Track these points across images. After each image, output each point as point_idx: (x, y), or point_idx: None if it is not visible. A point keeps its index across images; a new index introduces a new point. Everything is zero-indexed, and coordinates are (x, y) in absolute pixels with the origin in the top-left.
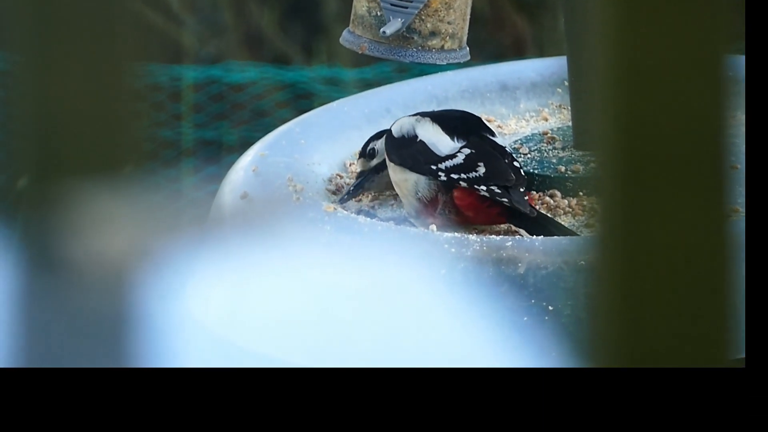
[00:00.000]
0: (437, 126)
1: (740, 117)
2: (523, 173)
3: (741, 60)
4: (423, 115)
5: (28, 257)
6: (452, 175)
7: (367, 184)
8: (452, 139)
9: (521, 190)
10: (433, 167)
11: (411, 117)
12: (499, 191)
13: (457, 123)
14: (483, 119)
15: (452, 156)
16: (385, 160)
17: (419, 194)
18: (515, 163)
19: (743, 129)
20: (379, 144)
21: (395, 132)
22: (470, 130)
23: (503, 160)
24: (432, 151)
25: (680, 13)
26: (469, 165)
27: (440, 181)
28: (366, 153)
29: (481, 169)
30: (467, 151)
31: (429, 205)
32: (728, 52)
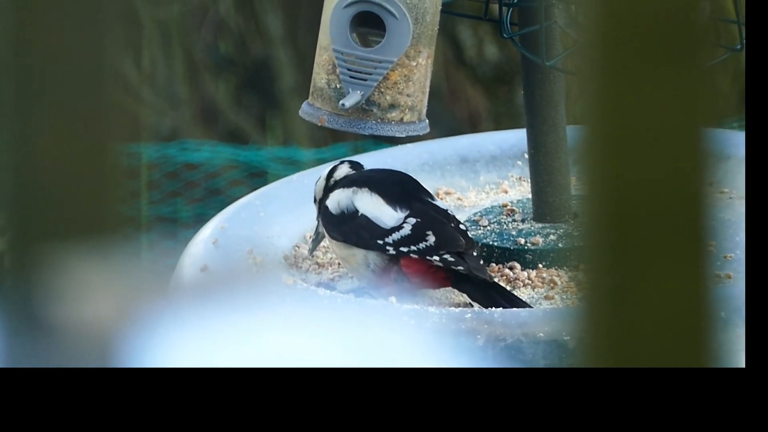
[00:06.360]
0: (377, 196)
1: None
2: (470, 235)
3: (717, 133)
4: (358, 184)
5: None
6: (401, 248)
7: (321, 229)
8: (395, 209)
9: (474, 254)
10: (380, 242)
11: (347, 189)
12: (452, 259)
13: (396, 189)
14: (419, 182)
15: (398, 228)
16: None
17: (371, 266)
18: (461, 226)
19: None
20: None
21: (333, 208)
22: (411, 195)
23: (450, 225)
24: (376, 224)
25: (653, 86)
26: (417, 235)
27: (389, 254)
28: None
29: (431, 238)
30: (413, 220)
31: (383, 274)
32: (704, 125)
